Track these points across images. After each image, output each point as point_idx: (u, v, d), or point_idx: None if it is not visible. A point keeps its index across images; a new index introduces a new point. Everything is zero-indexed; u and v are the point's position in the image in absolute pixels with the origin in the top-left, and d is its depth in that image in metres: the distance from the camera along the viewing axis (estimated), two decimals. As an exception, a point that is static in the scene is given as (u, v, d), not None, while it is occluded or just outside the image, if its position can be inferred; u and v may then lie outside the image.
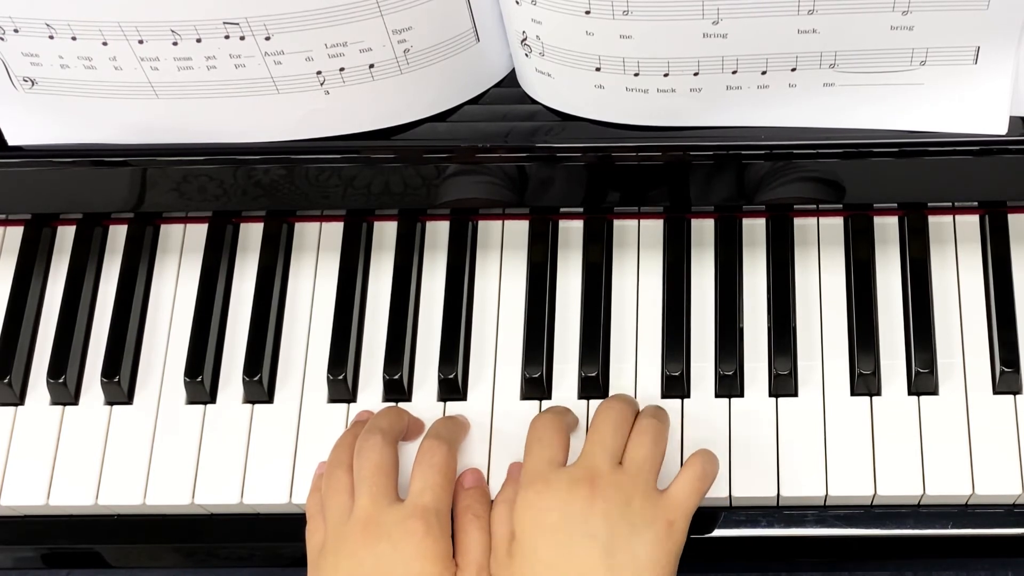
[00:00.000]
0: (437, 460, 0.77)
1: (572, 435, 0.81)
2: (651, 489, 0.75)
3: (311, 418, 0.85)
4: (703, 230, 0.88)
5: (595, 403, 0.83)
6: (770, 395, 0.83)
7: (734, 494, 0.80)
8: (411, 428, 0.82)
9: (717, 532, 0.82)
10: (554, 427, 0.78)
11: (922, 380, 0.81)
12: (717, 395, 0.83)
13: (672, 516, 0.75)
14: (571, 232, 0.89)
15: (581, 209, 0.88)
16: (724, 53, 0.72)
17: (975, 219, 0.87)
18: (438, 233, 0.89)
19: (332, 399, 0.85)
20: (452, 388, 0.84)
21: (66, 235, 0.92)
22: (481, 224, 0.89)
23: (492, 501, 0.79)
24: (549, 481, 0.75)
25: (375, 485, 0.76)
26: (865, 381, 0.82)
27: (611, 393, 0.83)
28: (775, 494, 0.80)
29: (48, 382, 0.86)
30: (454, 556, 0.75)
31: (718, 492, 0.80)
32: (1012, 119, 0.76)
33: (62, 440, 0.85)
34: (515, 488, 0.77)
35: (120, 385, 0.85)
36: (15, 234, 0.92)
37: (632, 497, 0.74)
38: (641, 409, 0.80)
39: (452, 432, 0.81)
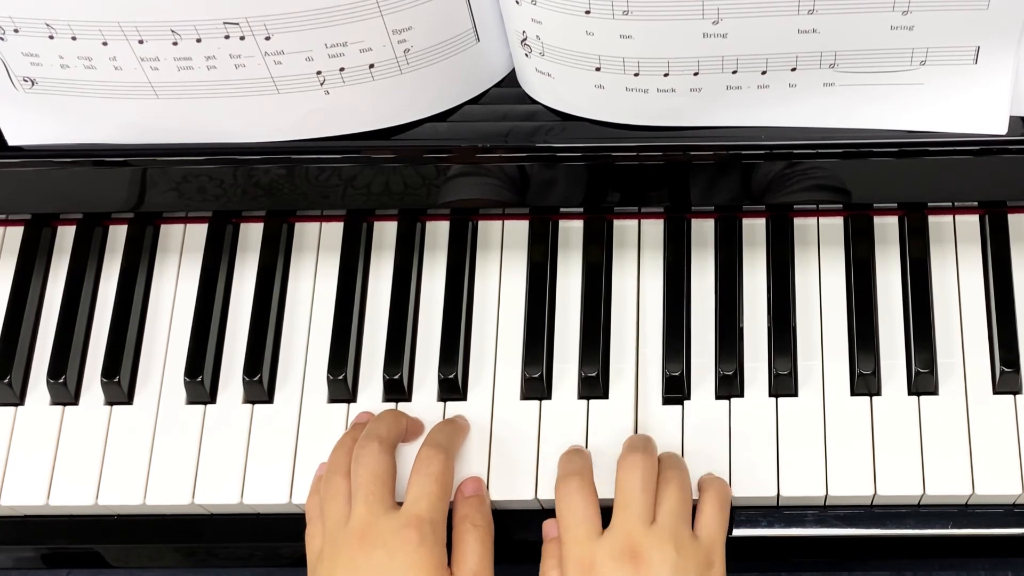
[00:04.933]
0: (434, 469, 0.77)
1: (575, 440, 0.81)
2: (689, 539, 0.75)
3: (311, 418, 0.85)
4: (703, 230, 0.88)
5: (595, 404, 0.83)
6: (770, 395, 0.83)
7: (734, 494, 0.80)
8: (410, 429, 0.82)
9: (717, 532, 0.82)
10: (582, 494, 0.77)
11: (922, 380, 0.81)
12: (717, 395, 0.83)
13: (711, 558, 0.76)
14: (571, 232, 0.89)
15: (581, 209, 0.88)
16: (724, 53, 0.72)
17: (975, 219, 0.87)
18: (438, 233, 0.89)
19: (332, 399, 0.85)
20: (452, 388, 0.84)
21: (66, 235, 0.92)
22: (481, 224, 0.89)
23: (493, 512, 0.80)
24: (595, 561, 0.74)
25: (371, 493, 0.76)
26: (865, 381, 0.82)
27: (611, 394, 0.83)
28: (775, 494, 0.80)
29: (48, 382, 0.86)
30: (449, 564, 0.76)
31: (718, 492, 0.80)
32: (1012, 119, 0.76)
33: (62, 440, 0.85)
34: (557, 552, 0.76)
35: (120, 385, 0.85)
36: (15, 234, 0.92)
37: (674, 554, 0.74)
38: (661, 457, 0.80)
39: (450, 439, 0.80)
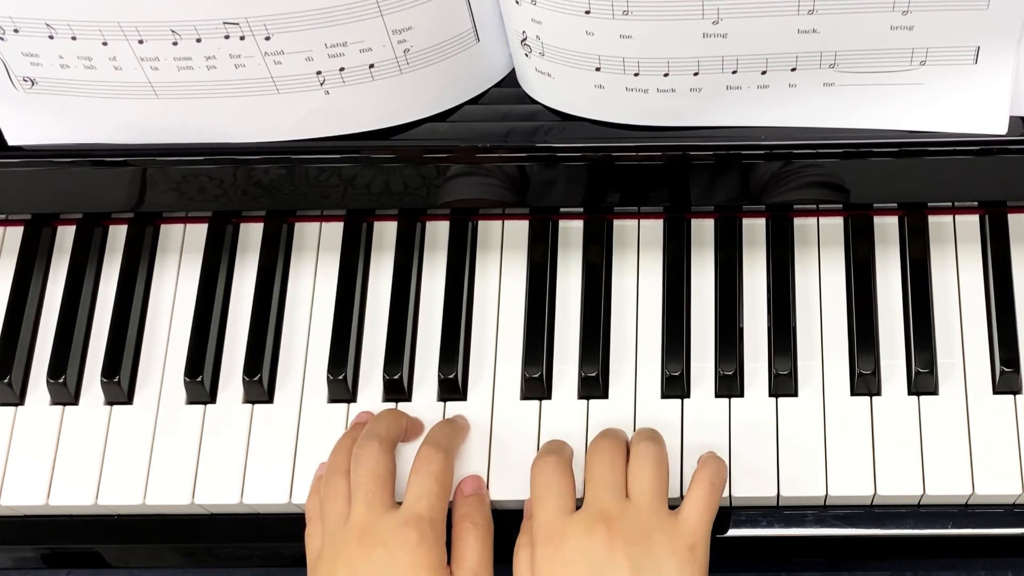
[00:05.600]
0: (434, 468, 0.77)
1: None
2: (664, 517, 0.75)
3: (311, 418, 0.85)
4: (703, 230, 0.88)
5: (595, 404, 0.83)
6: (770, 395, 0.83)
7: (734, 494, 0.80)
8: (410, 428, 0.82)
9: (717, 532, 0.82)
10: (558, 471, 0.76)
11: (922, 380, 0.81)
12: (717, 395, 0.83)
13: (691, 540, 0.74)
14: (571, 232, 0.89)
15: (581, 209, 0.88)
16: (724, 53, 0.73)
17: (975, 219, 0.87)
18: (438, 233, 0.89)
19: (332, 399, 0.85)
20: (452, 388, 0.84)
21: (66, 235, 0.92)
22: (481, 224, 0.89)
23: (493, 511, 0.80)
24: (564, 533, 0.74)
25: (371, 492, 0.76)
26: (865, 381, 0.82)
27: (610, 393, 0.84)
28: (775, 494, 0.80)
29: (48, 382, 0.86)
30: (449, 563, 0.76)
31: (718, 492, 0.80)
32: (1012, 119, 0.76)
33: (62, 440, 0.85)
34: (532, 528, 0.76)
35: (120, 385, 0.85)
36: (15, 234, 0.92)
37: (649, 530, 0.73)
38: (634, 433, 0.80)
39: (450, 438, 0.80)
